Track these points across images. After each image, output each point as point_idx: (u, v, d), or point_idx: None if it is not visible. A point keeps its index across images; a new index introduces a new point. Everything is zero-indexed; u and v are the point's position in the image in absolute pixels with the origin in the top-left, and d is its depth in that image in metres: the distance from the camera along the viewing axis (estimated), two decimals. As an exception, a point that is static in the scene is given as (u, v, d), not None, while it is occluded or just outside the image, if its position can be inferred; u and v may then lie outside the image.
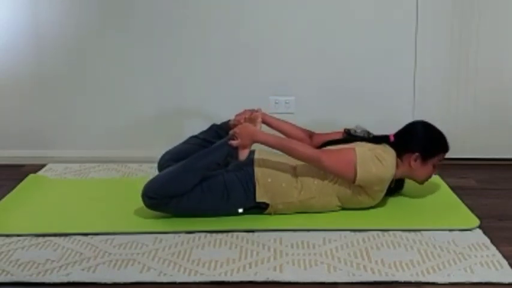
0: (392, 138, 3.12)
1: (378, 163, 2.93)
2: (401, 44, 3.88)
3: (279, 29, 3.90)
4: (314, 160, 2.96)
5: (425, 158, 3.08)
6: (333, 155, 2.96)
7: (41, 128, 4.03)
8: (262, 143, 3.00)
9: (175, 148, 3.33)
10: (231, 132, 3.05)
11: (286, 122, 3.39)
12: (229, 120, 3.32)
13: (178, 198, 2.93)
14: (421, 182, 3.17)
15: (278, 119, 3.38)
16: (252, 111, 3.25)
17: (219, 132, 3.29)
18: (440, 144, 3.13)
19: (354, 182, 2.95)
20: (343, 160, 2.94)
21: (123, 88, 3.99)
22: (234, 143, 2.97)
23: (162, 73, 3.96)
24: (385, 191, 3.04)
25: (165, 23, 3.90)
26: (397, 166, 3.03)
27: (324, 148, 3.07)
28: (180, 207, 2.96)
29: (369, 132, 3.18)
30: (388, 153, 3.00)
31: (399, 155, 3.06)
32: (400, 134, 3.15)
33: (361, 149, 2.97)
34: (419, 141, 3.09)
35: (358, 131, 3.18)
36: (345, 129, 3.23)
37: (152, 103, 4.00)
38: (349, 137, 3.18)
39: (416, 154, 3.06)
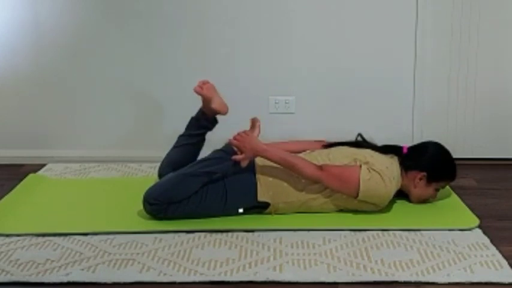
0: (405, 151, 3.13)
1: (380, 183, 2.91)
2: (401, 43, 3.88)
3: (279, 29, 3.90)
4: (314, 180, 2.97)
5: (430, 179, 3.08)
6: (334, 176, 2.94)
7: (41, 128, 4.03)
8: (265, 158, 3.01)
9: (170, 156, 3.32)
10: (231, 140, 3.03)
11: (291, 143, 3.33)
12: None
13: (178, 203, 2.94)
14: (416, 201, 3.15)
15: (282, 143, 3.29)
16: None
17: (200, 122, 3.31)
18: (449, 170, 3.13)
19: (355, 198, 2.96)
20: (345, 180, 2.93)
21: (123, 88, 3.99)
22: (238, 158, 2.98)
23: (162, 73, 3.96)
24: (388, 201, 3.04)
25: (165, 22, 3.90)
26: (401, 179, 3.04)
27: (328, 165, 3.00)
28: (179, 211, 2.96)
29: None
30: (392, 170, 2.99)
31: (406, 168, 3.07)
32: (413, 149, 3.16)
33: (365, 168, 2.93)
34: (430, 162, 3.09)
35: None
36: (359, 134, 3.26)
37: (152, 103, 4.00)
38: (362, 142, 3.20)
39: (423, 173, 3.06)
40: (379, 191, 2.93)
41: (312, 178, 2.97)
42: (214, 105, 3.25)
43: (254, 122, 3.18)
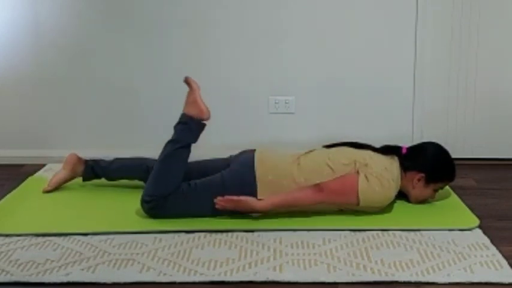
0: (404, 151, 3.13)
1: (379, 190, 2.91)
2: (401, 43, 3.88)
3: (279, 29, 3.90)
4: (317, 203, 2.94)
5: (429, 180, 3.08)
6: (334, 193, 2.92)
7: (41, 128, 4.04)
8: (265, 212, 2.95)
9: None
10: (217, 206, 2.94)
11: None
12: None
13: (174, 196, 2.93)
14: (414, 201, 3.15)
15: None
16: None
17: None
18: (448, 171, 3.13)
19: (357, 206, 2.96)
20: (345, 193, 2.92)
21: (123, 88, 3.99)
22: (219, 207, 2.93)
23: (162, 73, 3.96)
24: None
25: (165, 22, 3.90)
26: (400, 179, 3.04)
27: (325, 183, 2.93)
28: (177, 208, 2.96)
29: None
30: (392, 171, 2.98)
31: (405, 168, 3.07)
32: (412, 150, 3.15)
33: (363, 177, 2.91)
34: (429, 163, 3.09)
35: None
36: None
37: (152, 103, 4.00)
38: (362, 143, 3.19)
39: (422, 174, 3.06)
40: (379, 197, 2.93)
41: (315, 203, 2.94)
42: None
43: (188, 81, 3.11)
